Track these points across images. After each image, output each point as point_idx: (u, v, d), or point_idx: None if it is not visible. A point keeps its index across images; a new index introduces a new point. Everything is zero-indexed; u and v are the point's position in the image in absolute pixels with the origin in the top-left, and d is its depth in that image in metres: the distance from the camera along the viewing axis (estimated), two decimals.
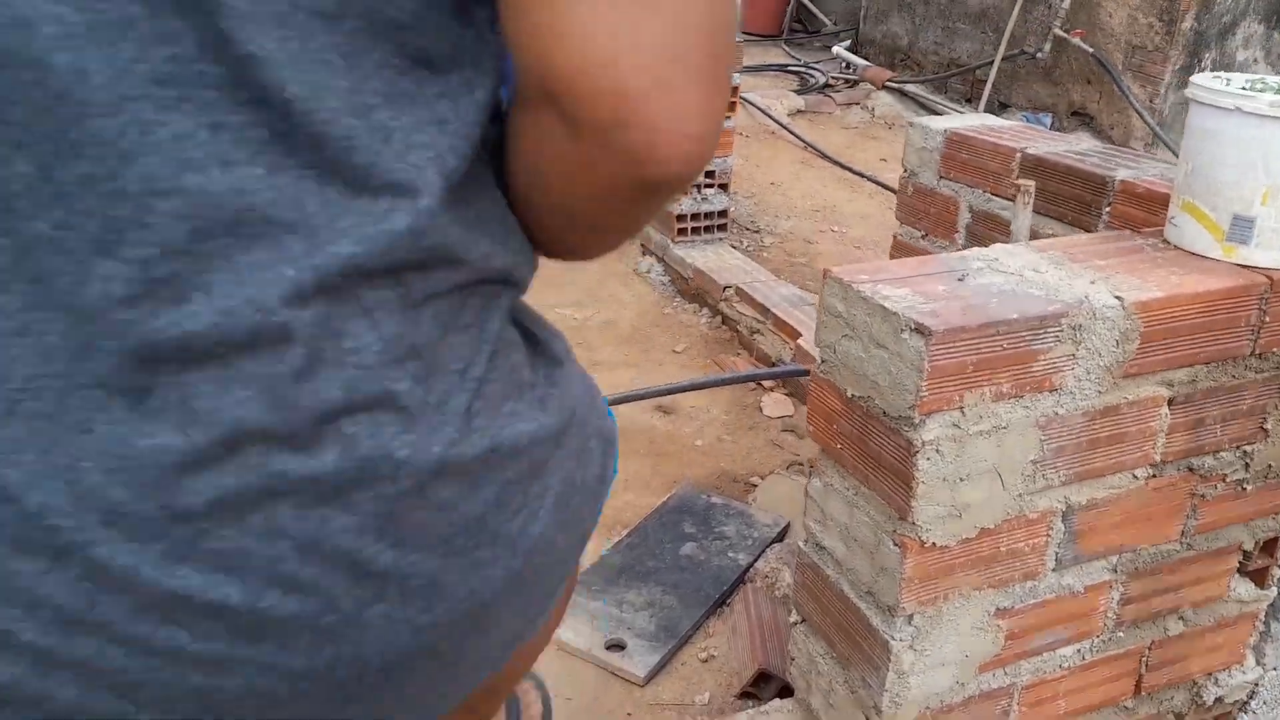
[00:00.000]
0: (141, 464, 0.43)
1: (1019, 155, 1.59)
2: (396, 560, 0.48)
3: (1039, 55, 4.25)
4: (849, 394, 1.02)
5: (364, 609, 0.48)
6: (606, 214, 0.53)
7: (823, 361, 1.06)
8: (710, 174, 3.01)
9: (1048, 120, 4.39)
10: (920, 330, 0.90)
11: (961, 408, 0.94)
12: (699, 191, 3.00)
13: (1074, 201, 1.51)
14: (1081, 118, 4.33)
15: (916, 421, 0.92)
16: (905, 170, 1.83)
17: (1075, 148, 1.61)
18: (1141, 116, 3.87)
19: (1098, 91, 4.20)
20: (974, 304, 0.95)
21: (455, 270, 0.50)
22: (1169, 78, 4.00)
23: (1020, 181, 1.22)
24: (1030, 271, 1.03)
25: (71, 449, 0.42)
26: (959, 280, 1.01)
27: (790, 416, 2.29)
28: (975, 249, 1.09)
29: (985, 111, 4.52)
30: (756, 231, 3.48)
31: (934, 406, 0.92)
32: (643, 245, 3.16)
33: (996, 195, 1.65)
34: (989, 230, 1.68)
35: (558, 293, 2.83)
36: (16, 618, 0.43)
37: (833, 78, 5.20)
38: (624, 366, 2.51)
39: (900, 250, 1.89)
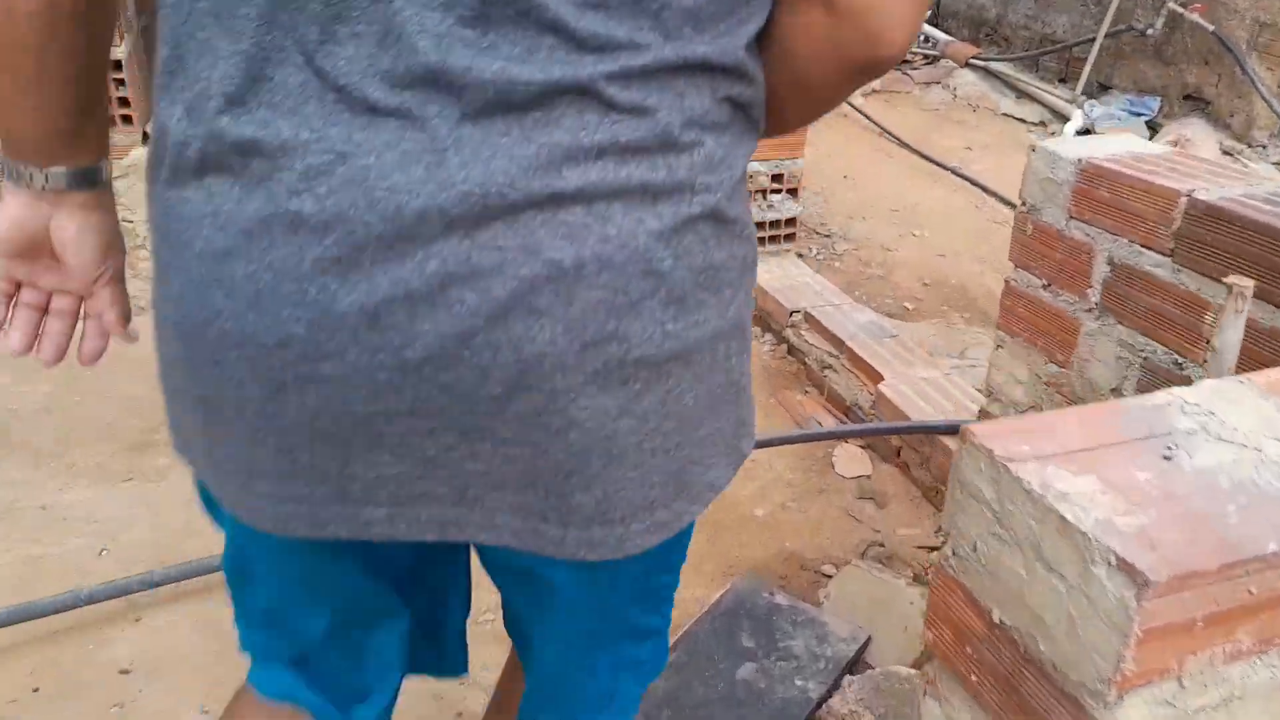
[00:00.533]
0: (537, 154, 0.58)
1: (1184, 200, 1.24)
2: (670, 268, 0.61)
3: (1149, 32, 3.79)
4: (996, 617, 0.70)
5: (641, 301, 0.61)
6: (835, 85, 0.69)
7: (954, 555, 0.74)
8: (778, 177, 2.66)
9: (1155, 104, 3.94)
10: (1129, 572, 0.58)
11: (1180, 678, 0.62)
12: (764, 198, 2.66)
13: (1263, 268, 1.16)
14: (1195, 102, 3.87)
15: (1111, 700, 0.61)
16: (1023, 204, 1.49)
17: (1259, 191, 1.25)
18: (1269, 104, 3.42)
19: (1216, 74, 3.74)
20: (1202, 513, 0.62)
21: (750, 86, 0.67)
22: None
23: (1234, 280, 0.87)
24: (1272, 441, 0.70)
25: (495, 145, 0.58)
26: (1165, 458, 0.68)
27: (868, 478, 1.96)
28: (1176, 391, 0.75)
29: (1083, 94, 4.08)
30: (828, 236, 3.12)
31: (1141, 680, 0.60)
32: None
33: (1149, 249, 1.30)
34: (1135, 291, 1.33)
35: None
36: (418, 260, 0.58)
37: (910, 53, 4.78)
38: None
39: (1014, 299, 1.55)
